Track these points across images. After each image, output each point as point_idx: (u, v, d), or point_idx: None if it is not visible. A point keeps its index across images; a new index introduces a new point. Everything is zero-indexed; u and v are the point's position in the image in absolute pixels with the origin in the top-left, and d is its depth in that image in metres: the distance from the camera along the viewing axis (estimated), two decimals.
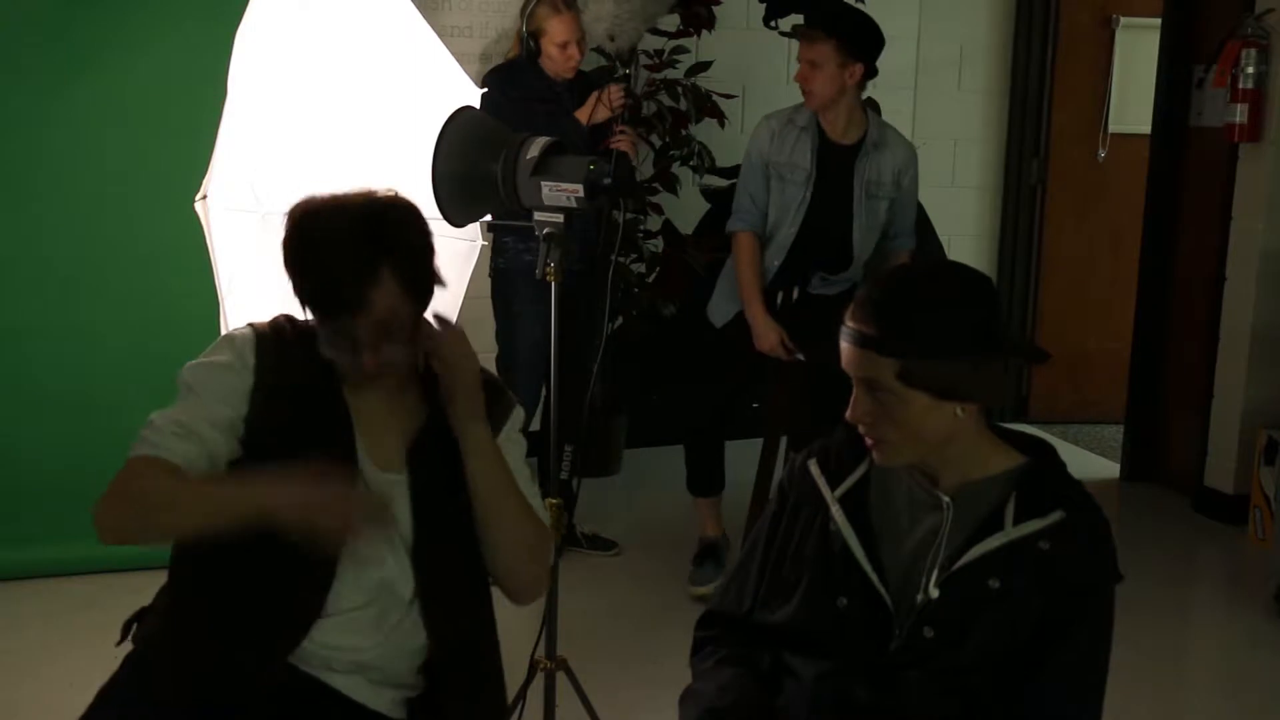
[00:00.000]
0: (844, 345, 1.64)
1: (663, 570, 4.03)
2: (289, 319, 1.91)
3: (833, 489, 1.74)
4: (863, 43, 3.62)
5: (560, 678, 2.62)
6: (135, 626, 1.93)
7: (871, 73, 3.66)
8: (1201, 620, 4.09)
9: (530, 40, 3.80)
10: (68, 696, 3.02)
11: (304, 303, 1.81)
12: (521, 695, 2.64)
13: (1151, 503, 4.87)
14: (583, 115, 3.83)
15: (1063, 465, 1.71)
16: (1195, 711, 3.39)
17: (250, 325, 1.88)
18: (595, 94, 3.83)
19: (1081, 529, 1.64)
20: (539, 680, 2.61)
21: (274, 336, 1.86)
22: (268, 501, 1.66)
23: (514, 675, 2.66)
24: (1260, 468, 4.35)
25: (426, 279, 1.82)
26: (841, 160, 3.69)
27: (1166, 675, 3.52)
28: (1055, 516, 1.63)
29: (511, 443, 1.97)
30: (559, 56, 3.80)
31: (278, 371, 1.83)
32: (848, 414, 1.67)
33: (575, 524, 4.12)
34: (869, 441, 1.68)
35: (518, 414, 2.01)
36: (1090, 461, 5.29)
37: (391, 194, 1.83)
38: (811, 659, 1.72)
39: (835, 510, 1.73)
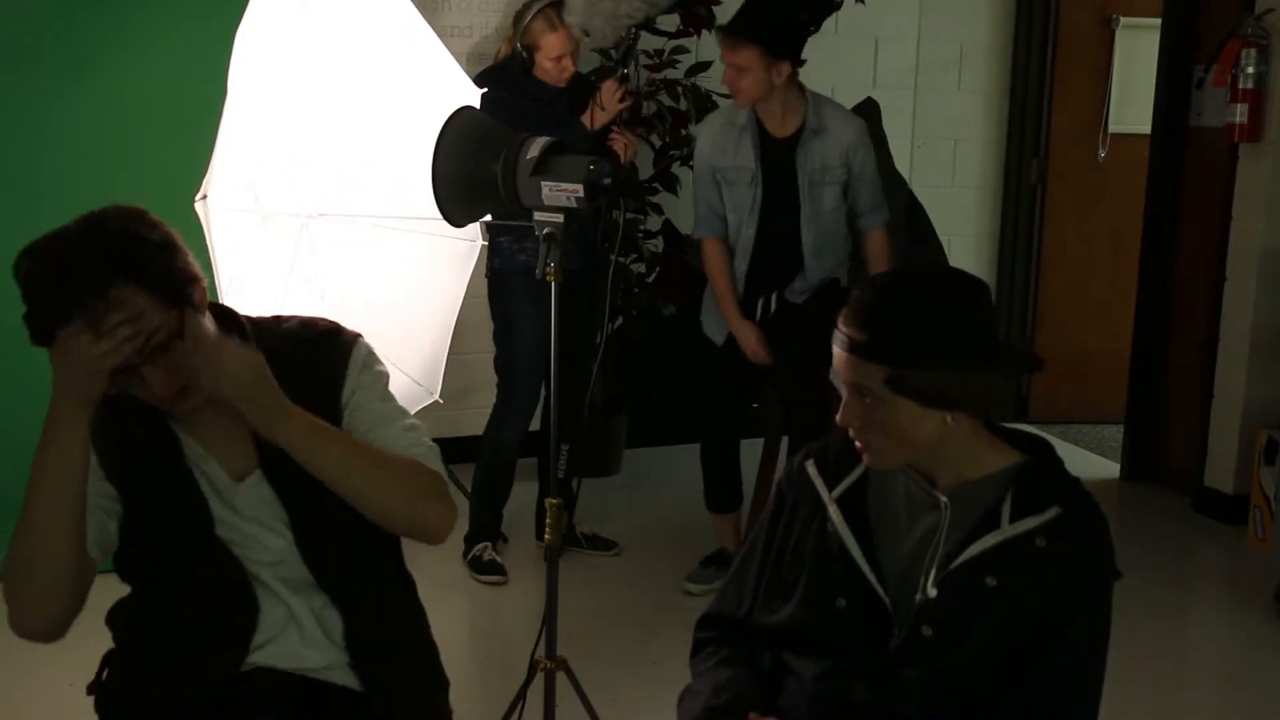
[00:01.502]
0: (835, 350, 1.64)
1: (663, 570, 4.03)
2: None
3: (830, 489, 1.75)
4: (786, 42, 3.52)
5: (560, 678, 2.62)
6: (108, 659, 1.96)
7: (799, 64, 3.58)
8: (1201, 620, 4.08)
9: (524, 52, 3.81)
10: (68, 696, 3.05)
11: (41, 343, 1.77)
12: (521, 695, 2.64)
13: (1151, 503, 4.87)
14: (586, 120, 3.83)
15: (1060, 463, 1.71)
16: (1195, 711, 3.38)
17: None
18: (592, 99, 3.83)
19: (1078, 526, 1.64)
20: (539, 680, 2.60)
21: (104, 405, 1.83)
22: (50, 414, 1.77)
23: (514, 675, 2.68)
24: (1260, 468, 4.35)
25: (165, 277, 1.70)
26: (783, 153, 3.63)
27: (1166, 675, 3.52)
28: (1052, 513, 1.63)
29: (364, 388, 1.87)
30: (553, 69, 3.82)
31: (109, 433, 1.82)
32: (837, 418, 1.67)
33: (575, 524, 4.12)
34: (859, 445, 1.68)
35: (359, 350, 1.89)
36: (1090, 461, 5.28)
37: (111, 207, 1.78)
38: (811, 659, 1.72)
39: (833, 511, 1.73)
